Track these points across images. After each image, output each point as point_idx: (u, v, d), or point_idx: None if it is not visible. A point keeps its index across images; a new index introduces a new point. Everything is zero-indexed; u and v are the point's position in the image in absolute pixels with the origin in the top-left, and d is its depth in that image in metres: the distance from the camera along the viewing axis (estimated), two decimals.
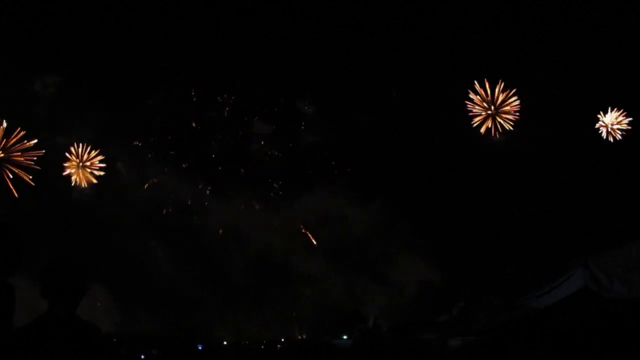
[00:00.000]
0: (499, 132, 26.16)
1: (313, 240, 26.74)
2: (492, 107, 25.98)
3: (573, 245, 17.81)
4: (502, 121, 26.09)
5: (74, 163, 24.94)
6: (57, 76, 25.02)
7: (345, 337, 18.79)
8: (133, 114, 26.99)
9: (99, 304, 22.96)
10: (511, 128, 25.99)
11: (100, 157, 25.12)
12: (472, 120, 26.21)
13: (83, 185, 25.18)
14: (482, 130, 26.21)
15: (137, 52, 25.92)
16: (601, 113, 25.80)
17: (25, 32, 24.19)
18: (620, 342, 10.57)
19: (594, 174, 23.59)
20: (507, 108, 25.91)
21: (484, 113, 26.11)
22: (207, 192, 27.32)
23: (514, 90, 25.76)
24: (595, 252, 12.70)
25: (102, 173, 25.20)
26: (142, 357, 16.35)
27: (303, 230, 26.77)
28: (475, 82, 25.90)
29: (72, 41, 24.86)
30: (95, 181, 25.08)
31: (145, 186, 26.33)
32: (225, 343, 22.38)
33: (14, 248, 3.26)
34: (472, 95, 25.94)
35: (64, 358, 3.22)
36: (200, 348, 20.97)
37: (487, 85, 25.88)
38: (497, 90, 25.80)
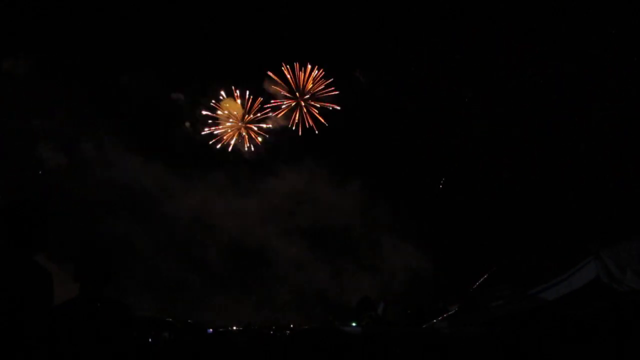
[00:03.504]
0: None
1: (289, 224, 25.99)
2: None
3: (586, 236, 17.67)
4: None
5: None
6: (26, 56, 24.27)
7: (353, 324, 18.84)
8: (99, 96, 26.07)
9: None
10: None
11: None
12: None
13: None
14: None
15: (103, 31, 25.09)
16: None
17: None
18: (631, 334, 10.53)
19: (613, 163, 23.16)
20: None
21: None
22: (175, 176, 26.57)
23: None
24: (609, 243, 12.58)
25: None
26: (150, 340, 16.45)
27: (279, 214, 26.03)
28: None
29: (41, 20, 24.25)
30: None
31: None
32: (234, 328, 22.60)
33: (39, 225, 3.28)
34: None
35: (98, 334, 3.30)
36: (209, 332, 21.20)
37: None
38: None
